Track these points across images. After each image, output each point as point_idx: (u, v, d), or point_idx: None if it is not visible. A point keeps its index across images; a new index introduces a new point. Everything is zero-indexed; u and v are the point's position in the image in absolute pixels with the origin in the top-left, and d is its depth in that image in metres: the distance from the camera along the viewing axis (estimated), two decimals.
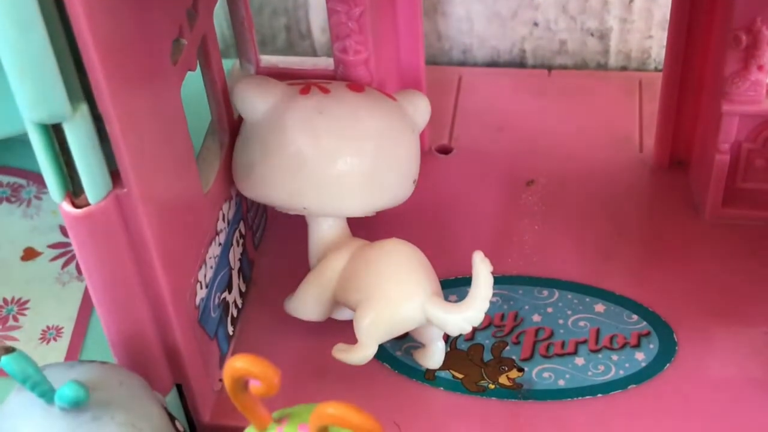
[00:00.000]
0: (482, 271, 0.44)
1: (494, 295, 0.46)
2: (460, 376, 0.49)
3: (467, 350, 0.50)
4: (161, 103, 0.41)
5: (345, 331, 0.48)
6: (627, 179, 0.57)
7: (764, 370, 0.48)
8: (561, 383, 0.48)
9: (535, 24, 0.66)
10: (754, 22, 0.48)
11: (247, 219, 0.53)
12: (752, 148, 0.52)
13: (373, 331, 0.46)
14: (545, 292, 0.52)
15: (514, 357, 0.49)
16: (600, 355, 0.49)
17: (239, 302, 0.52)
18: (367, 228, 0.51)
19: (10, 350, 0.36)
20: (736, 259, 0.53)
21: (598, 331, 0.50)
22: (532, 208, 0.56)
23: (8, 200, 0.59)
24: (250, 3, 0.53)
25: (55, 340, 0.52)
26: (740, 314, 0.50)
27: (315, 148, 0.47)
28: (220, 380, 0.49)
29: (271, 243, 0.56)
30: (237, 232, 0.51)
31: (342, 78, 0.52)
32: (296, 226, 0.52)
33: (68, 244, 0.56)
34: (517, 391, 0.48)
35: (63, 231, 0.57)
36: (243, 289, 0.52)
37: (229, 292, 0.50)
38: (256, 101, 0.48)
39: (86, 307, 0.53)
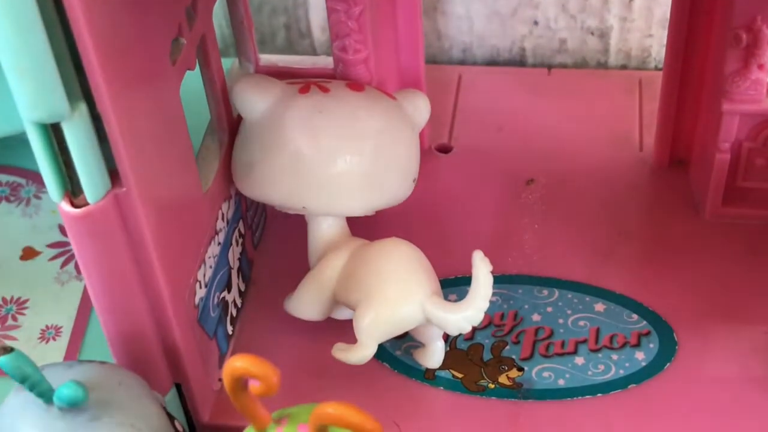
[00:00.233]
0: (482, 270, 0.44)
1: (494, 294, 0.46)
2: (460, 375, 0.49)
3: (467, 350, 0.50)
4: (160, 102, 0.41)
5: (345, 331, 0.48)
6: (627, 178, 0.57)
7: (764, 369, 0.48)
8: (561, 383, 0.48)
9: (535, 23, 0.66)
10: (754, 20, 0.48)
11: (247, 218, 0.53)
12: (753, 147, 0.52)
13: (372, 331, 0.46)
14: (545, 292, 0.52)
15: (513, 356, 0.49)
16: (600, 355, 0.49)
17: (238, 302, 0.52)
18: (366, 227, 0.51)
19: (8, 350, 0.36)
20: (737, 258, 0.53)
21: (598, 331, 0.50)
22: (531, 207, 0.56)
23: (7, 199, 0.59)
24: (250, 2, 0.53)
25: (54, 339, 0.52)
26: (740, 313, 0.50)
27: (314, 147, 0.47)
28: (220, 380, 0.49)
29: (271, 242, 0.56)
30: (236, 231, 0.51)
31: (341, 77, 0.52)
32: (296, 225, 0.52)
33: (67, 244, 0.56)
34: (517, 391, 0.48)
35: (62, 230, 0.57)
36: (242, 289, 0.52)
37: (229, 292, 0.50)
38: (255, 100, 0.48)
39: (85, 306, 0.53)
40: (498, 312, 0.51)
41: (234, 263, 0.51)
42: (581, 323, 0.50)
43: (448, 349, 0.50)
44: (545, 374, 0.49)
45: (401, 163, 0.49)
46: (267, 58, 0.55)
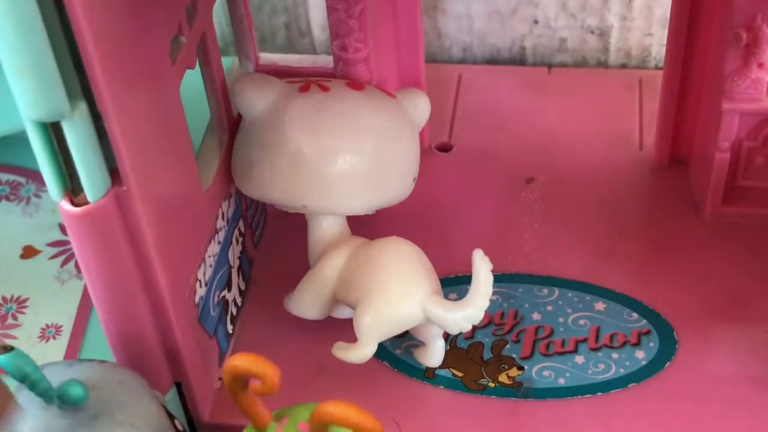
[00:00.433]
0: (482, 269, 0.44)
1: (494, 293, 0.46)
2: (460, 374, 0.49)
3: (467, 348, 0.50)
4: (160, 101, 0.41)
5: (345, 330, 0.48)
6: (627, 177, 0.57)
7: (764, 368, 0.48)
8: (561, 382, 0.48)
9: (535, 21, 0.66)
10: (754, 19, 0.48)
11: (247, 217, 0.53)
12: (753, 146, 0.52)
13: (372, 330, 0.46)
14: (545, 291, 0.52)
15: (514, 355, 0.49)
16: (600, 354, 0.49)
17: (239, 300, 0.52)
18: (366, 226, 0.51)
19: (8, 349, 0.36)
20: (737, 257, 0.53)
21: (598, 330, 0.50)
22: (531, 206, 0.56)
23: (7, 198, 0.59)
24: (250, 1, 0.53)
25: (54, 338, 0.52)
26: (740, 312, 0.50)
27: (314, 146, 0.47)
28: (220, 379, 0.49)
29: (271, 241, 0.56)
30: (236, 230, 0.51)
31: (342, 76, 0.52)
32: (296, 224, 0.51)
33: (67, 243, 0.56)
34: (517, 390, 0.48)
35: (62, 229, 0.57)
36: (242, 288, 0.52)
37: (229, 291, 0.50)
38: (255, 99, 0.48)
39: (85, 305, 0.53)
40: (498, 311, 0.51)
41: (234, 262, 0.51)
42: (581, 322, 0.50)
43: (448, 348, 0.50)
44: (545, 373, 0.49)
45: (401, 162, 0.49)
46: (267, 57, 0.55)
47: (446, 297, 0.47)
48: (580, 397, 0.48)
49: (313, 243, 0.49)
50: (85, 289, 0.54)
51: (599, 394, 0.48)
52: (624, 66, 0.68)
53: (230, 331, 0.51)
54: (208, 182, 0.47)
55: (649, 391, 0.48)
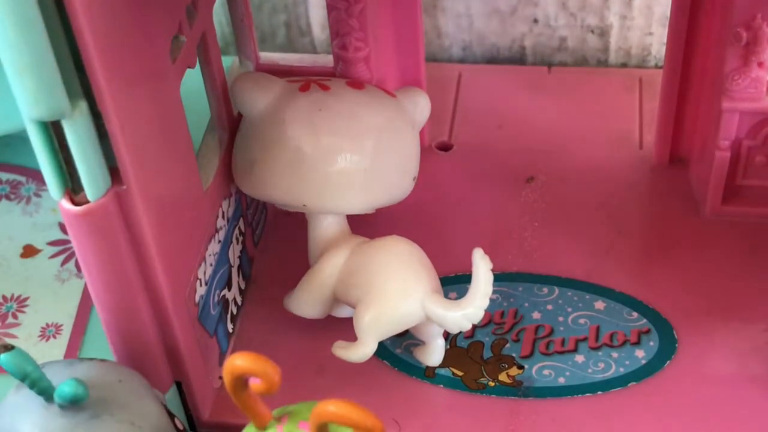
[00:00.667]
0: (482, 268, 0.44)
1: (494, 292, 0.46)
2: (460, 373, 0.49)
3: (467, 347, 0.50)
4: (161, 100, 0.41)
5: (345, 329, 0.48)
6: (627, 176, 0.57)
7: (764, 367, 0.48)
8: (561, 381, 0.48)
9: (535, 21, 0.66)
10: (754, 18, 0.48)
11: (247, 216, 0.53)
12: (752, 145, 0.52)
13: (373, 329, 0.46)
14: (545, 289, 0.52)
15: (514, 354, 0.49)
16: (600, 353, 0.49)
17: (239, 299, 0.52)
18: (366, 225, 0.51)
19: (9, 348, 0.36)
20: (737, 257, 0.53)
21: (598, 329, 0.50)
22: (532, 205, 0.56)
23: (7, 197, 0.59)
24: (250, 0, 0.53)
25: (54, 337, 0.52)
26: (740, 311, 0.50)
27: (314, 145, 0.47)
28: (220, 378, 0.49)
29: (271, 240, 0.56)
30: (236, 229, 0.51)
31: (342, 75, 0.52)
32: (296, 223, 0.52)
33: (68, 242, 0.56)
34: (517, 389, 0.48)
35: (62, 228, 0.57)
36: (243, 287, 0.52)
37: (229, 290, 0.50)
38: (255, 98, 0.48)
39: (86, 304, 0.53)
40: (498, 310, 0.51)
41: (234, 261, 0.51)
42: (581, 321, 0.50)
43: (448, 347, 0.50)
44: (545, 372, 0.49)
45: (401, 161, 0.49)
46: (267, 56, 0.55)
47: (446, 296, 0.47)
48: (580, 396, 0.48)
49: (313, 242, 0.49)
50: (86, 288, 0.54)
51: (599, 393, 0.48)
52: (624, 65, 0.68)
53: (230, 330, 0.51)
54: (209, 181, 0.47)
55: (649, 390, 0.48)
